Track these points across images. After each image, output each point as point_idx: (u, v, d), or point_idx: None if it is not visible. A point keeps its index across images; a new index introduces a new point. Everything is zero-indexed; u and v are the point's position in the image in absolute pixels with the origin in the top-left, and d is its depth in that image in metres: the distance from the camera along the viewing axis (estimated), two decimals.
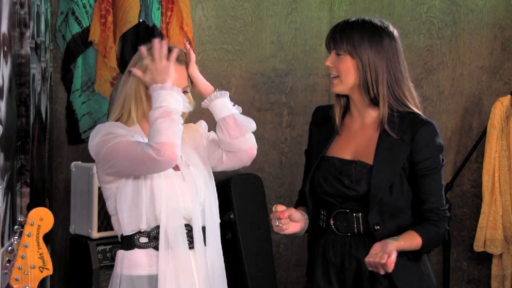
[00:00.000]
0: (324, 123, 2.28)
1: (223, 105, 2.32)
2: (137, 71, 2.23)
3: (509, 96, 3.40)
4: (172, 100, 2.17)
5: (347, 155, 2.20)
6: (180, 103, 2.20)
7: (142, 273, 2.22)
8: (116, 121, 2.32)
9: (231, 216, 3.45)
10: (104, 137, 2.24)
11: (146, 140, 2.26)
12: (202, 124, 2.46)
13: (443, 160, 2.18)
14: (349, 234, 2.15)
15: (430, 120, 2.18)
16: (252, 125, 2.34)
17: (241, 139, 2.33)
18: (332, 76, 2.19)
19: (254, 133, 2.54)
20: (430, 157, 2.15)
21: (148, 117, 2.28)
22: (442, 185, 2.21)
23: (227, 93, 2.33)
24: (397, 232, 2.12)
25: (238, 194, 3.53)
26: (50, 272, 2.10)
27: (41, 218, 2.06)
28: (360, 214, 2.13)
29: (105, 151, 2.24)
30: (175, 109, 2.15)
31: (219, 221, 2.37)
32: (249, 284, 3.47)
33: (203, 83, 2.34)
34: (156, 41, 2.29)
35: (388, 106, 2.14)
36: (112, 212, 2.28)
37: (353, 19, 2.22)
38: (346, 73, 2.16)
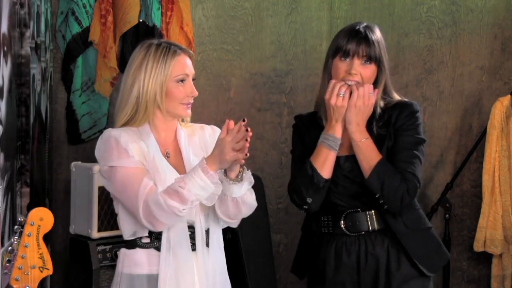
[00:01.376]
0: (311, 128, 2.36)
1: (241, 188, 2.24)
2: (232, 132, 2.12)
3: (509, 96, 3.41)
4: (200, 191, 2.13)
5: (344, 152, 2.27)
6: (207, 193, 2.15)
7: (142, 272, 2.22)
8: (125, 123, 2.28)
9: None
10: (106, 143, 2.23)
11: (153, 139, 2.24)
12: (218, 135, 2.31)
13: (423, 139, 2.29)
14: (362, 233, 2.22)
15: (412, 101, 2.34)
16: (249, 212, 2.28)
17: (230, 220, 2.30)
18: (351, 83, 2.25)
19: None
20: (407, 122, 2.27)
21: (162, 112, 2.25)
22: (418, 156, 2.27)
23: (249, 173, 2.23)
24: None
25: None
26: (50, 272, 2.11)
27: (41, 218, 2.07)
28: (372, 212, 2.21)
29: (105, 170, 2.23)
30: (193, 201, 2.13)
31: (224, 224, 2.35)
32: (249, 284, 3.48)
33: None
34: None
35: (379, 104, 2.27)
36: (117, 211, 2.29)
37: (366, 25, 2.32)
38: (370, 79, 2.26)
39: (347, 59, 2.24)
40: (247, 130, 2.09)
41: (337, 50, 2.27)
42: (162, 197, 2.12)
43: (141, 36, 3.35)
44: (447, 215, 3.43)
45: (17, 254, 2.08)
